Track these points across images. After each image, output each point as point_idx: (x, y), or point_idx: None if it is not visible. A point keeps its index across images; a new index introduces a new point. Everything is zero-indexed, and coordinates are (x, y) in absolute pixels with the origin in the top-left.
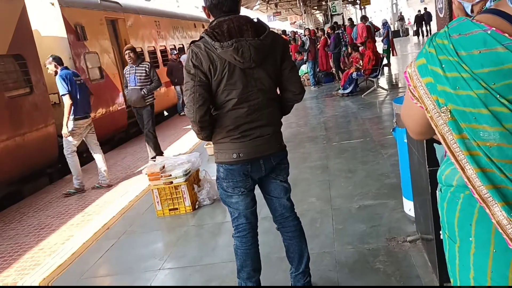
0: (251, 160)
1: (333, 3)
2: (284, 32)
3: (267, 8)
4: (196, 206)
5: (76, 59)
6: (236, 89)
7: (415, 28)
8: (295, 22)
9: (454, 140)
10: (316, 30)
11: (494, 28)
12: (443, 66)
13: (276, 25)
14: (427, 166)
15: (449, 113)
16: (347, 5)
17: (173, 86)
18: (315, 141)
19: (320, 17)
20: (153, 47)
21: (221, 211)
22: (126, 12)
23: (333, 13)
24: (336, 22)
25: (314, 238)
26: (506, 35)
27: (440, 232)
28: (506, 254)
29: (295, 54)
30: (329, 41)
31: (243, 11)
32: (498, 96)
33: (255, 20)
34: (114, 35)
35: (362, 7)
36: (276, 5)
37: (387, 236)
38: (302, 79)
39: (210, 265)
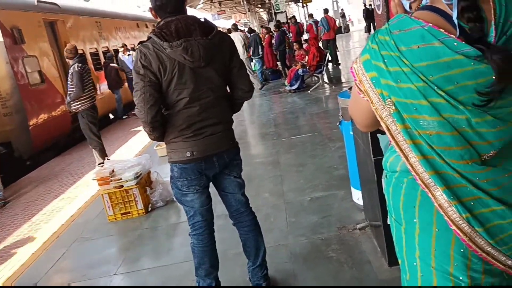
0: (204, 157)
1: (276, 1)
2: (229, 31)
3: (211, 7)
4: (149, 209)
5: (13, 63)
6: (187, 88)
7: (365, 24)
8: (240, 20)
9: (398, 130)
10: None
11: (430, 24)
12: (385, 61)
13: (221, 23)
14: (372, 156)
15: (392, 105)
16: (290, 2)
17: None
18: (265, 138)
19: (264, 15)
20: (95, 48)
21: (175, 212)
22: (65, 13)
23: (276, 11)
24: (279, 21)
25: (269, 232)
26: (442, 30)
27: (387, 217)
28: (447, 233)
29: None
30: (273, 39)
31: (188, 10)
32: (435, 88)
33: (202, 20)
34: (54, 38)
35: (304, 5)
36: (220, 4)
37: (338, 226)
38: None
39: (167, 266)
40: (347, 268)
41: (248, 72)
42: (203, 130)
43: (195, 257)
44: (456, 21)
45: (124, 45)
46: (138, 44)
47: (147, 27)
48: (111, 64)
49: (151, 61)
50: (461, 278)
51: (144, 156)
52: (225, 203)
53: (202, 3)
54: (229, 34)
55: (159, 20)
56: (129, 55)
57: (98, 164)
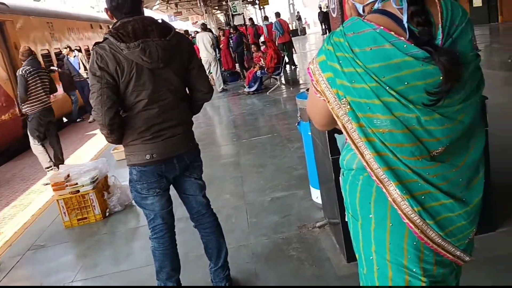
0: (164, 160)
1: (234, 3)
2: (186, 32)
3: (167, 8)
4: (107, 214)
5: None
6: (146, 90)
7: (322, 27)
8: (197, 22)
9: (353, 129)
10: (223, 31)
11: (382, 27)
12: (340, 62)
13: (178, 25)
14: (330, 155)
15: (348, 104)
16: (247, 5)
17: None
18: (225, 139)
19: (222, 17)
20: (47, 50)
21: (134, 216)
22: (14, 13)
23: (234, 13)
24: (233, 24)
25: (230, 233)
26: (392, 33)
27: (345, 215)
28: (401, 227)
29: (200, 54)
30: (231, 42)
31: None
32: (387, 88)
33: (160, 21)
34: (2, 39)
35: (261, 7)
36: (176, 5)
37: (298, 224)
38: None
39: (127, 271)
40: (308, 265)
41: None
42: (163, 132)
43: (156, 260)
44: (406, 25)
45: (68, 47)
46: (94, 45)
47: (101, 28)
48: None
49: (107, 62)
50: (414, 270)
51: (100, 160)
52: (186, 205)
53: (158, 4)
54: (199, 34)
55: (115, 21)
56: (74, 56)
57: (46, 168)
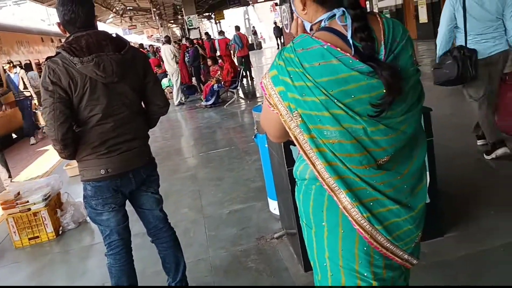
0: (120, 174)
1: (189, 17)
2: (141, 46)
3: (121, 22)
4: (60, 232)
5: None
6: (100, 104)
7: (278, 41)
8: (152, 35)
9: (305, 140)
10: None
11: (329, 44)
12: (291, 76)
13: (132, 38)
14: (286, 167)
15: (299, 116)
16: (202, 19)
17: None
18: (182, 153)
19: (178, 31)
20: None
21: (89, 233)
22: None
23: (189, 27)
24: (189, 38)
25: (188, 247)
26: (339, 49)
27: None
28: (352, 233)
29: (155, 67)
30: (186, 55)
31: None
32: (336, 101)
33: (114, 35)
34: None
35: (217, 21)
36: (130, 19)
37: (257, 236)
38: (164, 93)
39: None
40: (266, 276)
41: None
42: (118, 146)
43: (112, 277)
44: (351, 41)
45: (10, 62)
46: (46, 59)
47: (52, 41)
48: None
49: (60, 76)
50: (365, 274)
51: (53, 176)
52: (143, 220)
53: (112, 17)
54: (162, 46)
55: (67, 35)
56: (15, 73)
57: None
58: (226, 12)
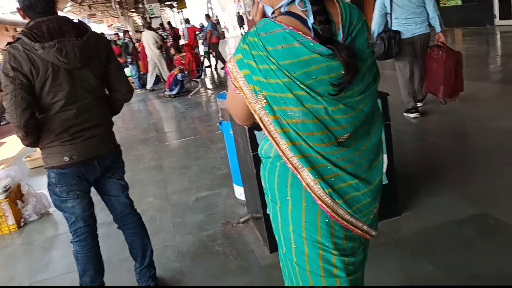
0: (84, 161)
1: (151, 6)
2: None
3: (79, 10)
4: (22, 224)
5: None
6: (63, 91)
7: (241, 31)
8: (112, 25)
9: (270, 121)
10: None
11: (291, 27)
12: (255, 60)
13: (92, 27)
14: (251, 152)
15: (264, 98)
16: (164, 8)
17: None
18: (146, 143)
19: (139, 20)
20: None
21: (52, 224)
22: None
23: (151, 16)
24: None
25: (155, 235)
26: (300, 32)
27: (267, 209)
28: (314, 207)
29: (117, 57)
30: None
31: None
32: (298, 82)
33: (76, 21)
34: None
35: (179, 10)
36: (89, 7)
37: (223, 221)
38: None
39: (46, 280)
40: (233, 258)
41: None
42: (82, 133)
43: (78, 264)
44: (311, 25)
45: None
46: (6, 45)
47: (7, 30)
48: None
49: (21, 62)
50: (327, 244)
51: (12, 168)
52: (109, 206)
53: (70, 5)
54: (143, 32)
55: (28, 20)
56: None
57: None
58: (188, 1)
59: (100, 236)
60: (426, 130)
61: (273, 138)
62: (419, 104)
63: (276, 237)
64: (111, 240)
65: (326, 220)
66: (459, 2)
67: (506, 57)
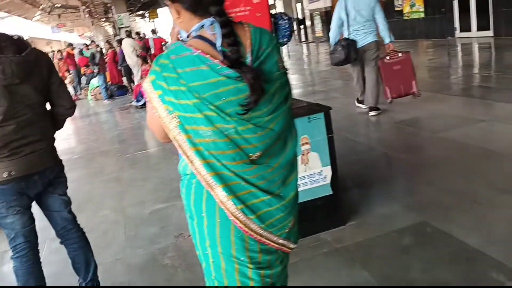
0: (25, 177)
1: (120, 15)
2: (70, 44)
3: (49, 19)
4: None
5: None
6: (1, 106)
7: None
8: (83, 34)
9: (183, 140)
10: (110, 44)
11: (199, 51)
12: (167, 81)
13: (62, 37)
14: None
15: (177, 118)
16: (135, 17)
17: None
18: (108, 155)
19: (110, 29)
20: None
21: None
22: None
23: (120, 26)
24: (121, 38)
25: (107, 248)
26: (208, 56)
27: None
28: (227, 223)
29: (84, 67)
30: (117, 55)
31: (23, 22)
32: (208, 103)
33: (16, 37)
34: None
35: (151, 20)
36: (59, 16)
37: (175, 234)
38: (94, 93)
39: None
40: (181, 271)
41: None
42: (22, 148)
43: (19, 281)
44: (220, 48)
45: None
46: None
47: None
48: None
49: None
50: (242, 258)
51: None
52: (51, 221)
53: (39, 15)
54: (123, 40)
55: None
56: None
57: None
58: (160, 10)
59: (51, 251)
60: (379, 140)
61: (187, 156)
62: (373, 113)
63: (197, 253)
64: (63, 254)
65: (240, 235)
66: (422, 15)
67: (465, 68)
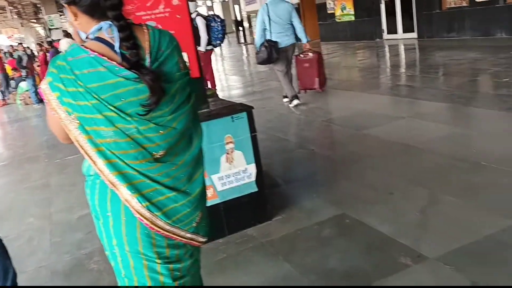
0: None
1: (50, 16)
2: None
3: None
4: None
5: None
6: None
7: None
8: (13, 35)
9: (84, 141)
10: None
11: (96, 53)
12: (64, 83)
13: None
14: None
15: (76, 119)
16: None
17: None
18: (36, 161)
19: (42, 31)
20: None
21: None
22: None
23: (50, 27)
24: (52, 40)
25: (31, 256)
26: (105, 58)
27: None
28: (133, 220)
29: (12, 71)
30: (48, 57)
31: None
32: (107, 104)
33: None
34: None
35: None
36: None
37: None
38: (23, 97)
39: None
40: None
41: None
42: None
43: None
44: (118, 50)
45: None
46: None
47: None
48: None
49: None
50: (149, 254)
51: None
52: None
53: None
54: (61, 41)
55: None
56: None
57: None
58: None
59: None
60: (308, 138)
61: (90, 157)
62: (295, 103)
63: (106, 253)
64: None
65: (146, 232)
66: (353, 18)
67: (391, 68)
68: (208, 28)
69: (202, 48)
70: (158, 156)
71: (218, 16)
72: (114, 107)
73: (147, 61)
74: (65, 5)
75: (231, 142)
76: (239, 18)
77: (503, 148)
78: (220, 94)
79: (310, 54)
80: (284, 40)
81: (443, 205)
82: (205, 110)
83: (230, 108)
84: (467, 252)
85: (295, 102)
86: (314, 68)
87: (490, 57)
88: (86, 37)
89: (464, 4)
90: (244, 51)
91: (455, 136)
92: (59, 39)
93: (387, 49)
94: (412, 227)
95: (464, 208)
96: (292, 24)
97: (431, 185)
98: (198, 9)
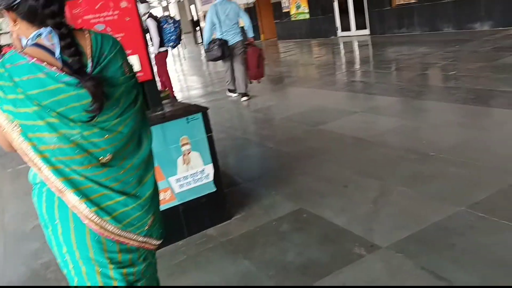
0: None
1: None
2: None
3: None
4: None
5: None
6: None
7: None
8: None
9: (28, 148)
10: None
11: (35, 59)
12: (3, 90)
13: None
14: None
15: (18, 127)
16: None
17: None
18: None
19: None
20: None
21: None
22: None
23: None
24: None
25: None
26: (44, 64)
27: None
28: (82, 226)
29: None
30: None
31: None
32: (49, 110)
33: None
34: None
35: None
36: None
37: None
38: None
39: None
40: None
41: None
42: None
43: None
44: (58, 57)
45: None
46: None
47: None
48: None
49: None
50: (101, 260)
51: None
52: None
53: None
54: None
55: None
56: None
57: None
58: None
59: None
60: (266, 136)
61: (35, 164)
62: (244, 98)
63: (58, 261)
64: None
65: (96, 238)
66: (308, 16)
67: (346, 65)
68: (160, 29)
69: (154, 49)
70: (104, 161)
71: (171, 17)
72: (57, 113)
73: (89, 67)
74: (4, 11)
75: (187, 143)
76: (195, 18)
77: (451, 138)
78: (179, 95)
79: (251, 49)
80: (231, 38)
81: (394, 195)
82: (160, 112)
83: (185, 110)
84: (417, 240)
85: (244, 98)
86: (253, 61)
87: (439, 51)
88: (26, 43)
89: (413, 1)
90: (202, 52)
91: (405, 128)
92: (9, 44)
93: (341, 46)
94: (365, 218)
95: (413, 197)
96: (238, 23)
97: (383, 176)
98: (152, 10)
